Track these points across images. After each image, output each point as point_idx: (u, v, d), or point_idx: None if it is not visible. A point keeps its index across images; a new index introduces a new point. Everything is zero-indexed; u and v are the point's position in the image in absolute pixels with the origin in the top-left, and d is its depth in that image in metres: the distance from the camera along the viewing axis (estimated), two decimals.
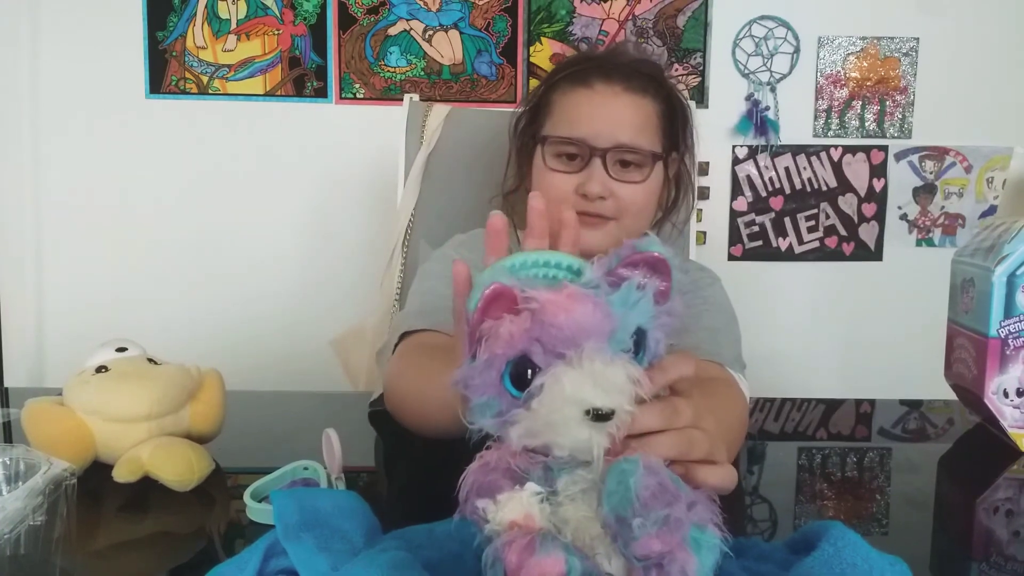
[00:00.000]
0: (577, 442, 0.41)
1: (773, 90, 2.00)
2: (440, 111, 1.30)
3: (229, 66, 1.93)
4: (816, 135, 2.02)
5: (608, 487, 0.40)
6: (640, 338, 0.44)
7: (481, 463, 0.44)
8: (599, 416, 0.41)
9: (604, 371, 0.41)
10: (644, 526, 0.38)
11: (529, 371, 0.42)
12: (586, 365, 0.41)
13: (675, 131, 0.99)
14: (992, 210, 2.03)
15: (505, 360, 0.42)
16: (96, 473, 0.66)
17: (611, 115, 0.94)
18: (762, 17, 1.98)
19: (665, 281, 0.45)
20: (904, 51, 2.01)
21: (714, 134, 1.98)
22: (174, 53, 1.92)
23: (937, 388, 0.96)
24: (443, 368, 0.67)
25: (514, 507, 0.41)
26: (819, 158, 2.02)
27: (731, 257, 2.04)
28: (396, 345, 0.86)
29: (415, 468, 0.71)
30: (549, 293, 0.42)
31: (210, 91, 1.93)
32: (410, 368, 0.78)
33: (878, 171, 2.03)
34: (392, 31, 1.94)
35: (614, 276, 0.44)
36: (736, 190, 2.03)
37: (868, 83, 2.01)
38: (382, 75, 1.95)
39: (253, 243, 1.97)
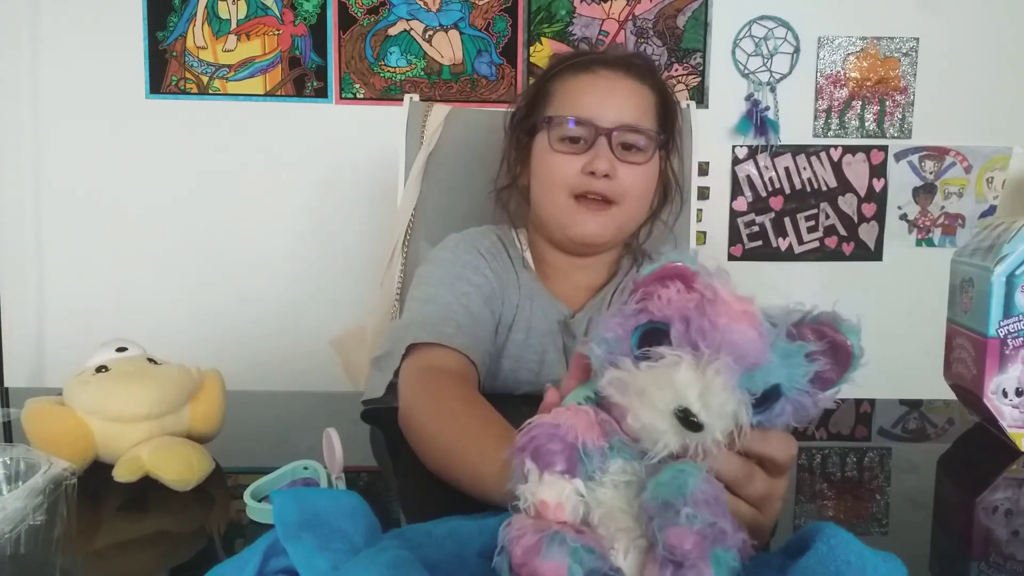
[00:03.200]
0: (652, 428, 0.41)
1: (773, 90, 2.00)
2: (440, 111, 1.30)
3: (229, 66, 1.93)
4: (816, 135, 2.02)
5: (661, 478, 0.40)
6: (771, 397, 0.43)
7: (553, 421, 0.43)
8: (686, 422, 0.40)
9: (719, 390, 0.39)
10: (692, 518, 0.38)
11: (652, 331, 0.42)
12: (708, 372, 0.39)
13: (668, 126, 1.01)
14: (992, 210, 2.03)
15: (648, 319, 0.42)
16: (96, 473, 0.66)
17: (615, 97, 0.96)
18: (762, 17, 1.98)
19: (838, 372, 0.44)
20: (904, 51, 2.01)
21: (714, 134, 1.99)
22: (174, 53, 1.92)
23: (937, 388, 0.96)
24: (475, 434, 0.66)
25: (553, 492, 0.41)
26: (819, 158, 2.02)
27: (731, 257, 2.04)
28: (403, 357, 0.84)
29: (415, 468, 0.71)
30: (730, 294, 0.42)
31: (210, 91, 1.93)
32: (437, 412, 0.74)
33: (878, 171, 2.04)
34: (392, 31, 1.94)
35: (798, 332, 0.43)
36: (736, 190, 2.03)
37: (868, 83, 2.01)
38: (382, 75, 1.95)
39: (253, 243, 1.97)
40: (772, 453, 0.46)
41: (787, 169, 2.03)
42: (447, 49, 1.96)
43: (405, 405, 0.77)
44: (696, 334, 0.40)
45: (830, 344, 0.43)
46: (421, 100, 1.33)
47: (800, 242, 2.05)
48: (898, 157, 2.03)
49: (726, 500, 0.41)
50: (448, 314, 0.88)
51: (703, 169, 1.95)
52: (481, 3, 1.94)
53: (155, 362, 0.72)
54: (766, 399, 0.42)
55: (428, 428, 0.72)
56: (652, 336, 0.42)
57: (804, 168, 2.03)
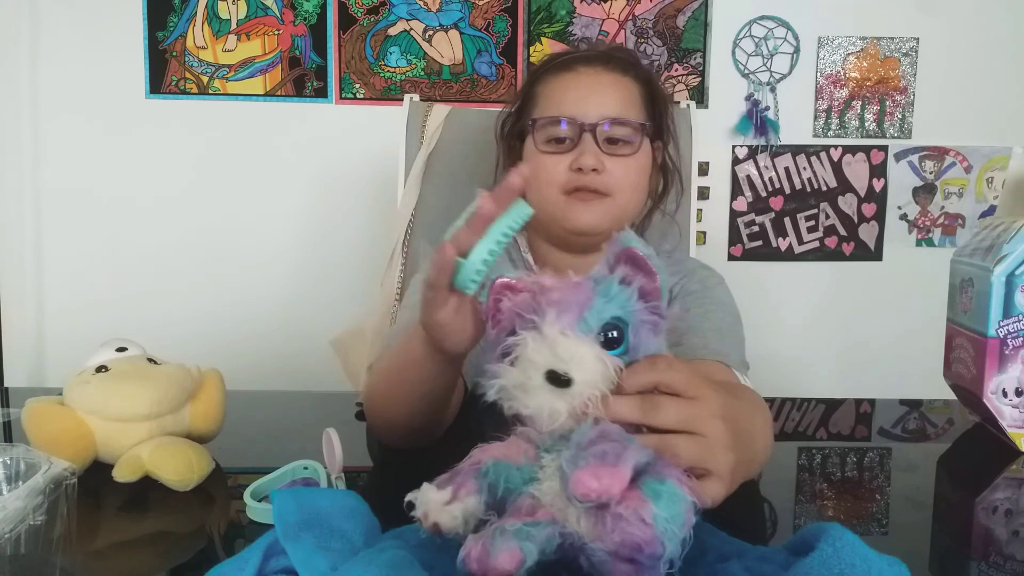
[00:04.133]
0: (539, 406, 0.44)
1: (773, 90, 2.00)
2: (440, 111, 1.30)
3: (229, 66, 1.93)
4: (816, 135, 2.02)
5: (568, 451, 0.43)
6: (621, 331, 0.46)
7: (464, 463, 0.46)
8: (558, 382, 0.43)
9: (560, 339, 0.43)
10: (574, 460, 0.40)
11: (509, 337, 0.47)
12: (546, 332, 0.44)
13: (658, 115, 1.01)
14: (992, 210, 2.03)
15: (505, 332, 0.47)
16: (96, 473, 0.66)
17: (597, 92, 0.96)
18: (762, 17, 1.98)
19: (651, 280, 0.47)
20: (904, 51, 2.01)
21: (714, 134, 1.99)
22: (174, 53, 1.92)
23: (936, 388, 0.96)
24: (407, 337, 0.70)
25: (419, 505, 0.44)
26: (819, 158, 2.02)
27: (731, 257, 2.04)
28: None
29: (415, 468, 0.71)
30: (553, 278, 0.47)
31: (210, 91, 1.93)
32: (380, 365, 0.79)
33: (878, 171, 2.03)
34: (392, 31, 1.94)
35: (611, 269, 0.47)
36: (736, 190, 2.03)
37: (868, 83, 2.01)
38: (382, 75, 1.95)
39: (253, 243, 1.97)
40: (654, 377, 0.46)
41: (787, 169, 2.03)
42: (447, 49, 1.96)
43: (363, 393, 0.81)
44: (530, 315, 0.45)
45: (628, 262, 0.47)
46: (421, 100, 1.33)
47: (800, 242, 2.05)
48: (898, 157, 2.03)
49: (618, 433, 0.42)
50: None
51: (703, 169, 1.94)
52: (481, 3, 1.94)
53: (155, 362, 0.72)
54: (618, 336, 0.46)
55: (374, 382, 0.76)
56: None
57: (804, 168, 2.03)
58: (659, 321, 0.47)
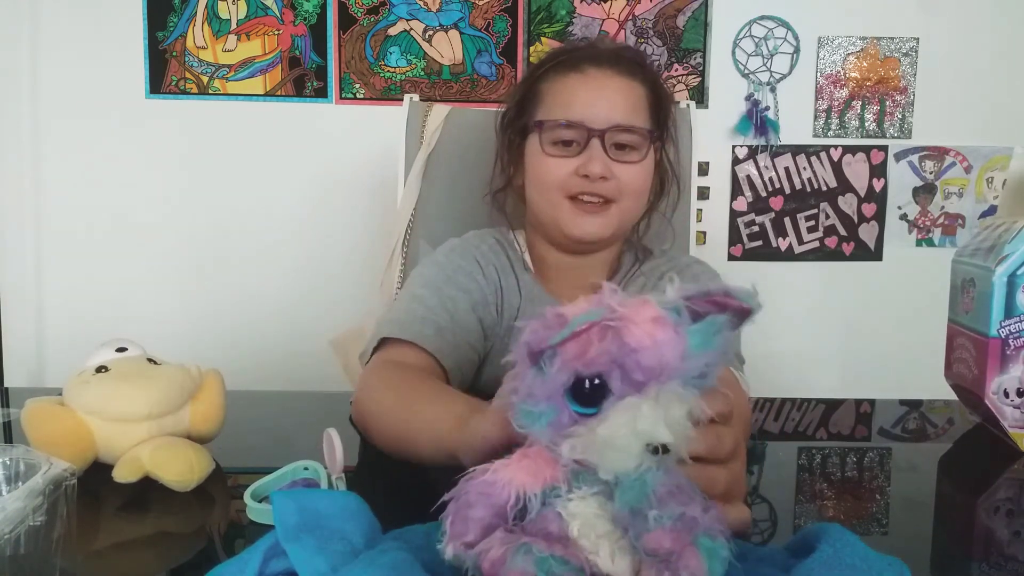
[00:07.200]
0: (627, 468, 0.41)
1: (773, 90, 2.00)
2: (440, 111, 1.30)
3: (229, 66, 1.93)
4: (816, 135, 2.02)
5: (625, 483, 0.41)
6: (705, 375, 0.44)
7: (489, 479, 0.43)
8: (657, 451, 0.40)
9: (678, 412, 0.41)
10: (660, 519, 0.39)
11: (588, 386, 0.41)
12: (662, 401, 0.40)
13: (662, 117, 1.00)
14: (992, 210, 2.03)
15: (575, 374, 0.42)
16: (96, 473, 0.66)
17: (606, 97, 0.95)
18: (762, 17, 1.98)
19: (736, 324, 0.45)
20: (904, 51, 2.01)
21: (714, 134, 1.99)
22: (174, 53, 1.92)
23: (937, 388, 0.96)
24: (431, 399, 0.69)
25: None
26: (819, 158, 2.02)
27: (731, 257, 2.04)
28: (376, 350, 0.86)
29: (415, 468, 0.71)
30: (631, 311, 0.41)
31: (210, 91, 1.93)
32: (387, 391, 0.77)
33: (878, 171, 2.03)
34: (392, 31, 1.94)
35: (695, 304, 0.43)
36: (736, 190, 2.03)
37: (868, 83, 2.01)
38: (382, 75, 1.95)
39: (253, 243, 1.97)
40: (722, 409, 0.47)
41: (787, 169, 2.03)
42: (447, 49, 1.96)
43: (358, 394, 0.80)
44: (633, 374, 0.40)
45: (719, 307, 0.44)
46: (421, 100, 1.33)
47: (800, 242, 2.05)
48: (898, 157, 2.03)
49: (692, 480, 0.42)
50: (429, 315, 0.89)
51: (703, 169, 1.94)
52: (481, 3, 1.94)
53: (155, 362, 0.71)
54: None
55: (382, 406, 0.75)
56: (579, 387, 0.42)
57: (804, 168, 2.03)
58: (726, 361, 0.46)
